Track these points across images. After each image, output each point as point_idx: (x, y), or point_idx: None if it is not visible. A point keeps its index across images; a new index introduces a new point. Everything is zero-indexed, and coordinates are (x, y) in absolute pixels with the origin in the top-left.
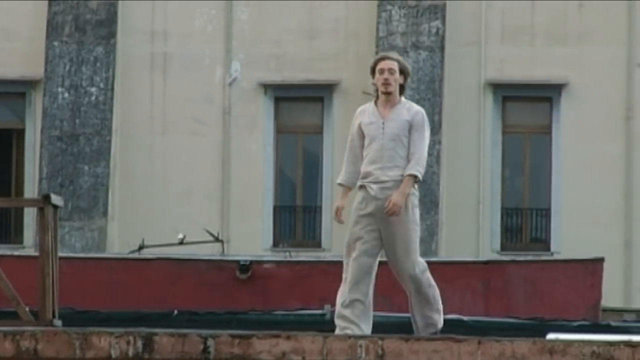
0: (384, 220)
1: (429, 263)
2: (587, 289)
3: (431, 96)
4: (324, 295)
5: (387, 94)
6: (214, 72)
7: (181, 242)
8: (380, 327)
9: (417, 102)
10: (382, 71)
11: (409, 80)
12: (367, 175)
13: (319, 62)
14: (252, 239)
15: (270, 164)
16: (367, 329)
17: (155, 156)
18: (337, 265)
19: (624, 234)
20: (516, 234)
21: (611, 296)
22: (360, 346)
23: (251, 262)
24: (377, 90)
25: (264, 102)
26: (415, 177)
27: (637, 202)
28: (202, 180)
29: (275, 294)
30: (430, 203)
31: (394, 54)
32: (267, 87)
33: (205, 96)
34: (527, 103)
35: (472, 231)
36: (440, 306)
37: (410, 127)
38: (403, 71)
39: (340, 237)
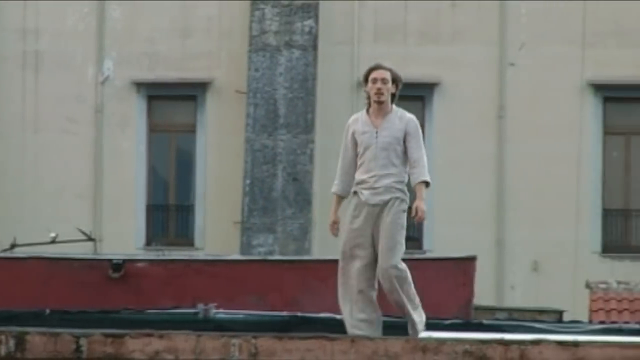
0: (375, 222)
1: (301, 262)
2: (459, 288)
3: (304, 95)
4: (197, 294)
5: (380, 103)
6: (87, 70)
7: (53, 241)
8: (254, 326)
9: (291, 100)
10: (375, 80)
11: (400, 88)
12: (361, 182)
13: (192, 60)
14: (125, 237)
15: (143, 163)
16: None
17: (27, 155)
18: (211, 265)
19: (496, 233)
20: None
21: (483, 295)
22: (234, 345)
23: (124, 260)
24: (368, 98)
25: (137, 100)
26: (427, 182)
27: (509, 201)
28: (74, 178)
29: (148, 293)
30: (303, 201)
31: (387, 64)
32: (139, 86)
33: (77, 95)
34: (401, 102)
35: None
36: (418, 303)
37: (406, 135)
38: (395, 80)
39: (214, 236)
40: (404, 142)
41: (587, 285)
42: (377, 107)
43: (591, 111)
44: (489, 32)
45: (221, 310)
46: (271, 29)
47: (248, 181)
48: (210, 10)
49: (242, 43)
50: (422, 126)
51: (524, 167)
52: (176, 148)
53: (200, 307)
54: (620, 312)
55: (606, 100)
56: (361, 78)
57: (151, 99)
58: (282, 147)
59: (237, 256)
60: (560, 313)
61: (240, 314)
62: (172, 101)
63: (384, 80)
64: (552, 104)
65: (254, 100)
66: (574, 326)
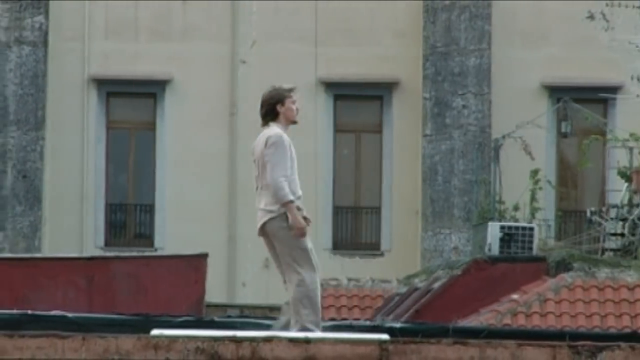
0: None
1: (31, 260)
2: (191, 285)
3: (35, 92)
4: None
5: (294, 123)
6: None
7: None
8: None
9: (21, 97)
10: (294, 102)
11: None
12: (299, 197)
13: None
14: None
15: None
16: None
17: None
18: None
19: (228, 230)
20: (120, 229)
21: (215, 292)
22: None
23: None
24: (275, 115)
25: None
26: None
27: (241, 197)
28: None
29: None
30: (33, 199)
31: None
32: None
33: None
34: (132, 99)
35: (76, 227)
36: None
37: None
38: None
39: None
40: None
41: None
42: (288, 127)
43: (322, 109)
44: (220, 30)
45: None
46: (1, 25)
47: None
48: None
49: None
50: (154, 123)
51: None
52: None
53: None
54: (350, 308)
55: (336, 98)
56: (91, 74)
57: None
58: (12, 144)
59: None
60: None
61: None
62: None
63: None
64: None
65: None
66: None
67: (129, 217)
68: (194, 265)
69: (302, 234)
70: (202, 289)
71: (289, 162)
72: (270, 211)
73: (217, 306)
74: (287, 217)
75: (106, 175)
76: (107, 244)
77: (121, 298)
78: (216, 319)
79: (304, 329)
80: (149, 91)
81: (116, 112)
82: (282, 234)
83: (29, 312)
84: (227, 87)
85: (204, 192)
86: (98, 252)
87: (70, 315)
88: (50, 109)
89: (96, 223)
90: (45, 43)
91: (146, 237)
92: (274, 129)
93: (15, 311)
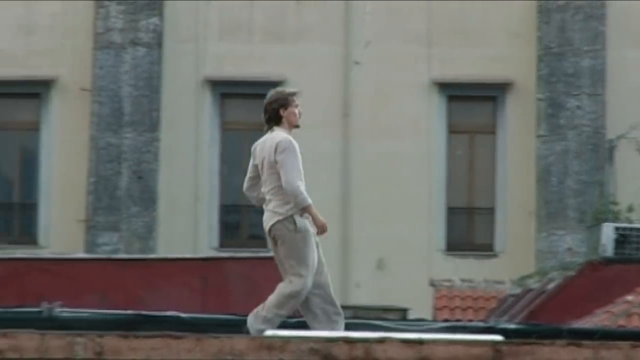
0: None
1: (145, 260)
2: None
3: (149, 93)
4: (41, 292)
5: (297, 127)
6: None
7: None
8: (99, 325)
9: (136, 98)
10: (297, 106)
11: None
12: None
13: (36, 58)
14: None
15: None
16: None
17: None
18: (55, 263)
19: (342, 230)
20: (235, 230)
21: None
22: (79, 344)
23: None
24: (278, 119)
25: None
26: None
27: (355, 199)
28: None
29: None
30: (148, 200)
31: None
32: None
33: None
34: (246, 100)
35: (190, 228)
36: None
37: None
38: None
39: (59, 235)
40: None
41: (432, 283)
42: (291, 131)
43: (436, 110)
44: (334, 31)
45: (65, 309)
46: (116, 26)
47: (93, 179)
48: (55, 7)
49: (87, 40)
50: None
51: (369, 165)
52: (20, 146)
53: (44, 305)
54: (464, 309)
55: (450, 99)
56: (206, 76)
57: None
58: (127, 145)
59: (81, 255)
60: (404, 311)
61: (84, 312)
62: (16, 99)
63: None
64: (398, 102)
65: (98, 98)
66: (419, 324)
67: (242, 218)
68: None
69: (325, 230)
70: None
71: (301, 166)
72: (279, 213)
73: None
74: (294, 220)
75: (220, 176)
76: (222, 245)
77: (235, 298)
78: None
79: (269, 322)
80: (262, 92)
81: (230, 113)
82: (289, 236)
83: (143, 312)
84: (340, 88)
85: (317, 194)
86: (212, 253)
87: (184, 315)
88: (165, 110)
89: (210, 224)
90: (159, 45)
91: (260, 238)
92: (281, 134)
93: (129, 312)
